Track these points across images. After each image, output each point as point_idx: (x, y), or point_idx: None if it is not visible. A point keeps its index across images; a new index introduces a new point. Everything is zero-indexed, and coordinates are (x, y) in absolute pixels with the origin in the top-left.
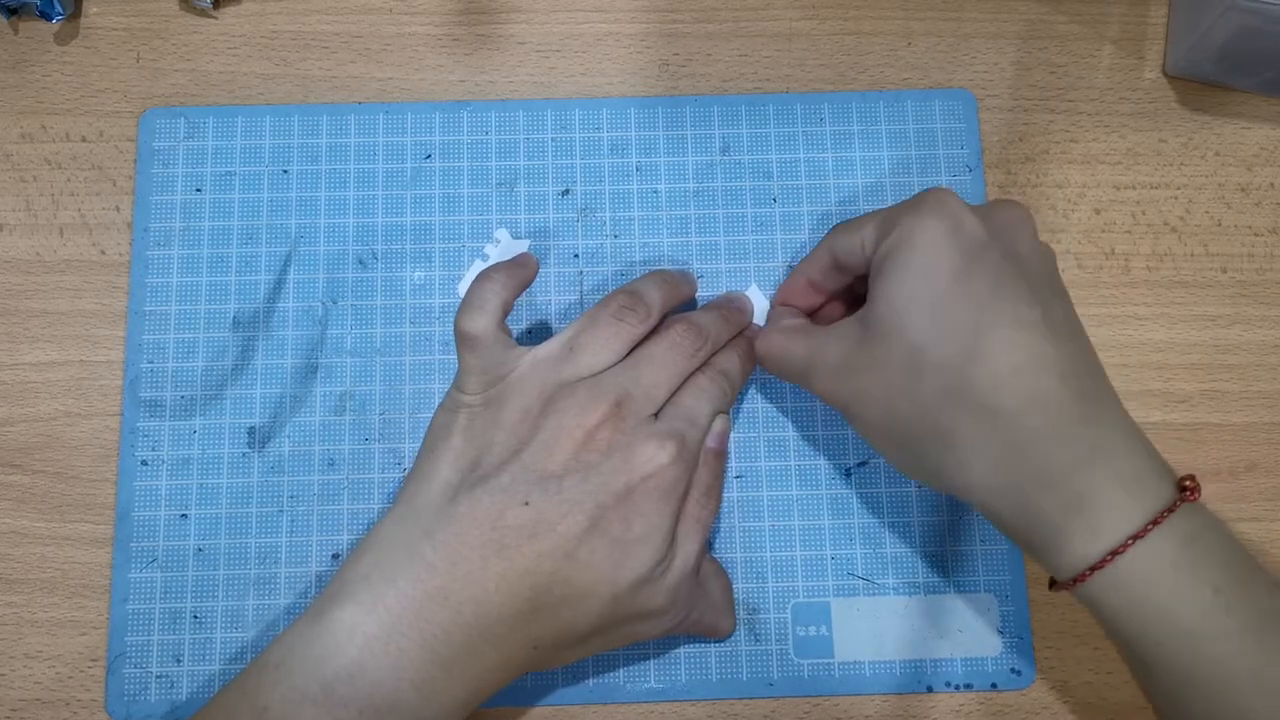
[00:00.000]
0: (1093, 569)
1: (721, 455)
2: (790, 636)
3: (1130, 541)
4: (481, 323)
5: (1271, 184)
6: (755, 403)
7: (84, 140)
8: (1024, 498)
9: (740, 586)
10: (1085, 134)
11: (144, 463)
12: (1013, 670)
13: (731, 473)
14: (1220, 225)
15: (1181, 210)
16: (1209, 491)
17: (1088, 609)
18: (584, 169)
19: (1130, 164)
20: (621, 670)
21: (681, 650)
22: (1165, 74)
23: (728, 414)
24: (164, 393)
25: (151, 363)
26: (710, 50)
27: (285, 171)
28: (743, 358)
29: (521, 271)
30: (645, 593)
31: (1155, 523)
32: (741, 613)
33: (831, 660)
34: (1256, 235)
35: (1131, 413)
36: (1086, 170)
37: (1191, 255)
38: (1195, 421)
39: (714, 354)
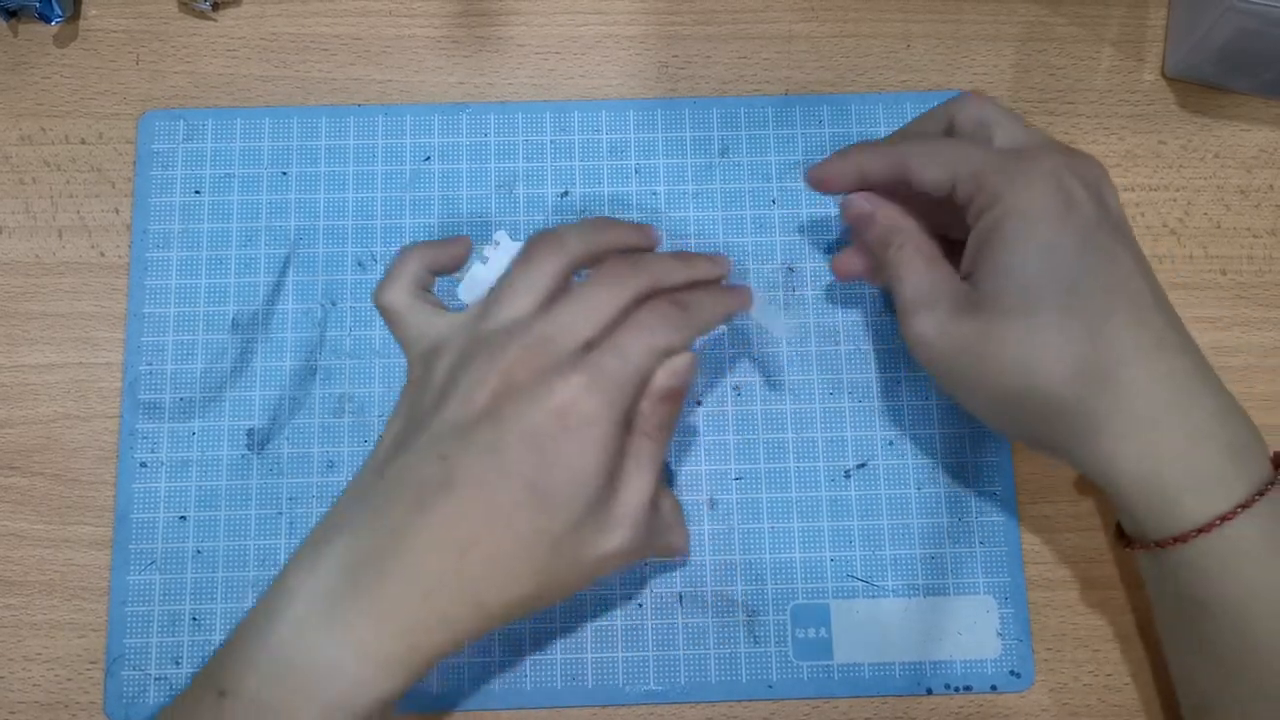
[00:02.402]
0: (1199, 531)
1: (673, 395)
2: (789, 638)
3: (1238, 510)
4: (390, 294)
5: (1271, 186)
6: (754, 404)
7: (83, 142)
8: (1139, 465)
9: (740, 589)
10: (1084, 136)
11: (143, 465)
12: (1012, 673)
13: (731, 474)
14: (1219, 227)
15: (1180, 212)
16: None
17: (1158, 573)
18: (583, 171)
19: (1129, 166)
20: (621, 672)
21: (681, 653)
22: (1164, 76)
23: (689, 352)
24: (163, 395)
25: (150, 365)
26: (709, 52)
27: (284, 173)
28: (707, 298)
29: (448, 248)
30: (591, 535)
31: (1261, 494)
32: (741, 614)
33: (831, 662)
34: (1256, 237)
35: None
36: None
37: (1191, 257)
38: None
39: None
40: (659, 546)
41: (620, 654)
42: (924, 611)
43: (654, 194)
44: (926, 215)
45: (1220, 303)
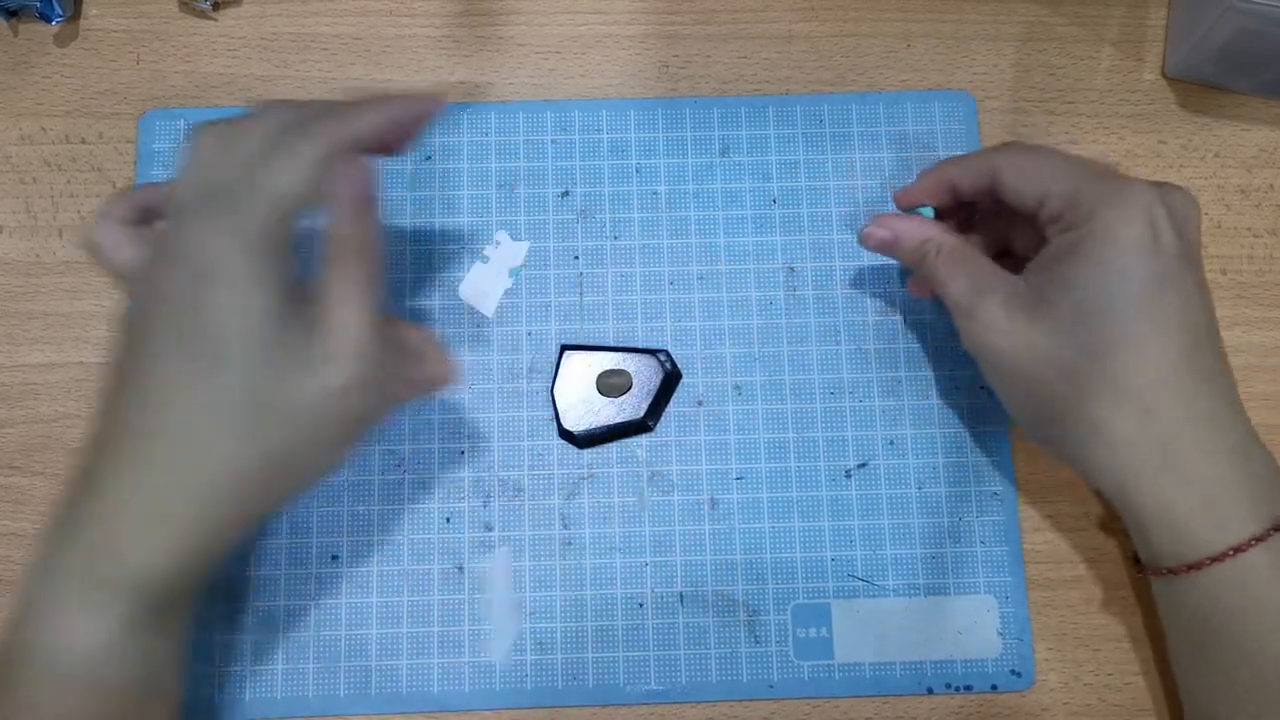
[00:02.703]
0: (1213, 560)
1: (355, 200)
2: (790, 638)
3: (1253, 541)
4: (92, 233)
5: (1271, 186)
6: (755, 404)
7: (84, 142)
8: (1159, 488)
9: (740, 588)
10: (1085, 136)
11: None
12: (1013, 672)
13: (731, 474)
14: (1220, 227)
15: None
16: None
17: (1172, 598)
18: (584, 170)
19: (1129, 165)
20: (622, 672)
21: (682, 652)
22: (1165, 76)
23: (356, 157)
24: None
25: None
26: (710, 52)
27: None
28: (352, 102)
29: (151, 190)
30: (296, 377)
31: (1277, 528)
32: (742, 614)
33: (832, 662)
34: (1256, 237)
35: None
36: None
37: None
38: None
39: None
40: (415, 381)
41: (621, 654)
42: (925, 611)
43: (654, 193)
44: (982, 228)
45: (1220, 303)
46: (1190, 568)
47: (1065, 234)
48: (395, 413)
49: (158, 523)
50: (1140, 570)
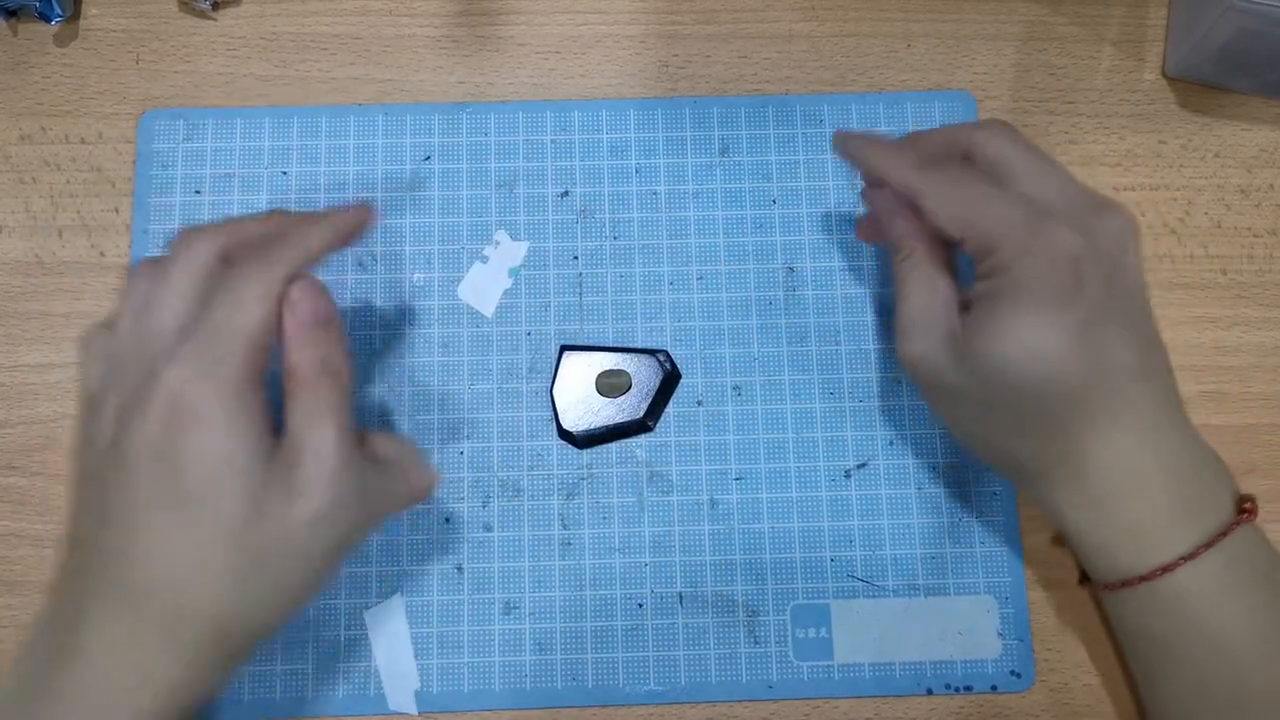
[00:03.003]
0: (1142, 579)
1: (316, 325)
2: (790, 639)
3: (1181, 561)
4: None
5: (1271, 185)
6: (754, 404)
7: (83, 142)
8: (1089, 521)
9: (740, 589)
10: (1085, 135)
11: None
12: (1012, 673)
13: (731, 474)
14: (1220, 227)
15: (1181, 212)
16: None
17: (1112, 612)
18: (583, 171)
19: (1130, 165)
20: (621, 672)
21: (681, 653)
22: (1165, 76)
23: (306, 275)
24: None
25: None
26: (709, 52)
27: (284, 173)
28: (304, 225)
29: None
30: (278, 510)
31: (1208, 545)
32: (741, 615)
33: (831, 662)
34: (1256, 237)
35: None
36: (1086, 172)
37: (1191, 257)
38: (1195, 423)
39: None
40: (396, 494)
41: (620, 654)
42: (924, 611)
43: (654, 193)
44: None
45: (1220, 302)
46: (1124, 584)
47: (985, 281)
48: (380, 529)
49: (145, 686)
50: (1081, 582)
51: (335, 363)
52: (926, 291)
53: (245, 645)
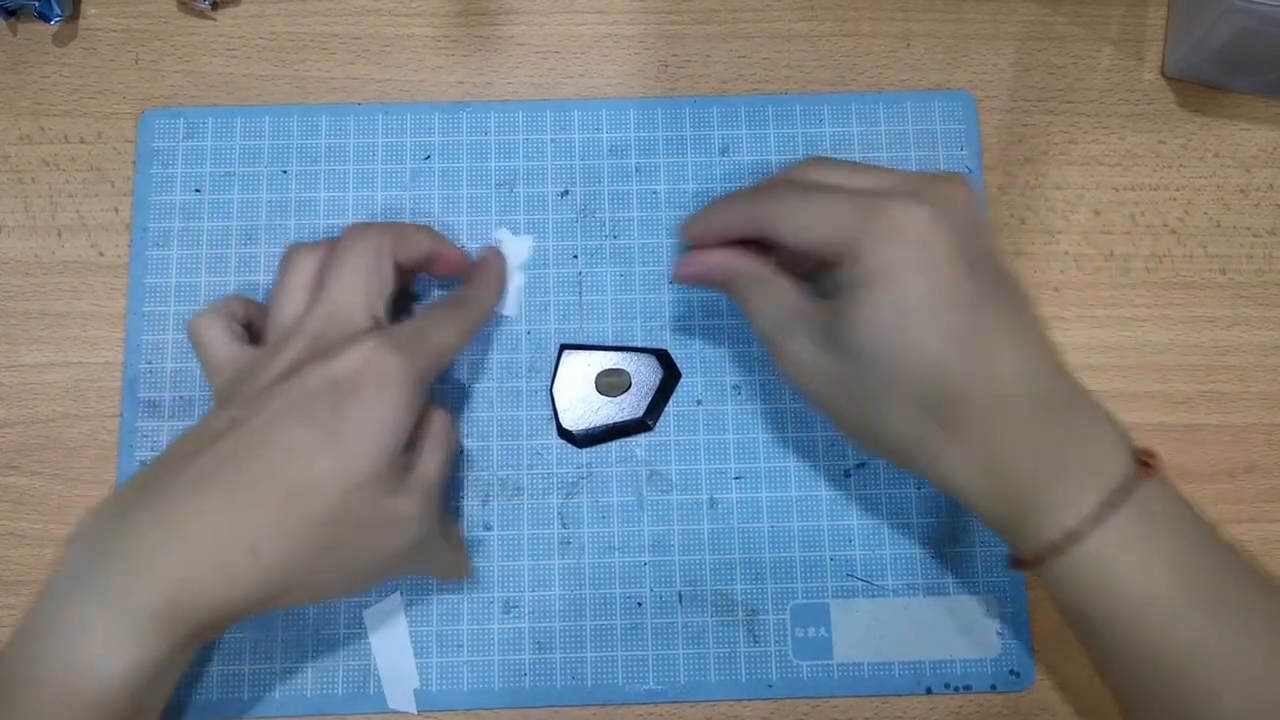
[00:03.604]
0: (1052, 553)
1: (449, 441)
2: (789, 638)
3: (1088, 527)
4: (203, 321)
5: (1270, 185)
6: (754, 403)
7: (82, 141)
8: (990, 488)
9: (739, 588)
10: (1084, 135)
11: (143, 463)
12: (1011, 672)
13: (730, 473)
14: (1219, 226)
15: (1180, 212)
16: (1207, 493)
17: (1051, 593)
18: (583, 170)
19: (1129, 165)
20: (620, 671)
21: (680, 652)
22: (1164, 75)
23: (443, 411)
24: (163, 393)
25: (150, 363)
26: (709, 51)
27: (284, 172)
28: (482, 289)
29: (264, 306)
30: (385, 495)
31: (1113, 507)
32: (740, 614)
33: (830, 662)
34: (1255, 236)
35: (1131, 414)
36: (1085, 172)
37: (1190, 257)
38: (1194, 423)
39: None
40: (442, 562)
41: (620, 653)
42: (924, 611)
43: (654, 193)
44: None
45: (1220, 302)
46: (1040, 559)
47: (843, 271)
48: (411, 576)
49: (204, 579)
50: (1014, 566)
51: (450, 453)
52: (777, 300)
53: (256, 587)
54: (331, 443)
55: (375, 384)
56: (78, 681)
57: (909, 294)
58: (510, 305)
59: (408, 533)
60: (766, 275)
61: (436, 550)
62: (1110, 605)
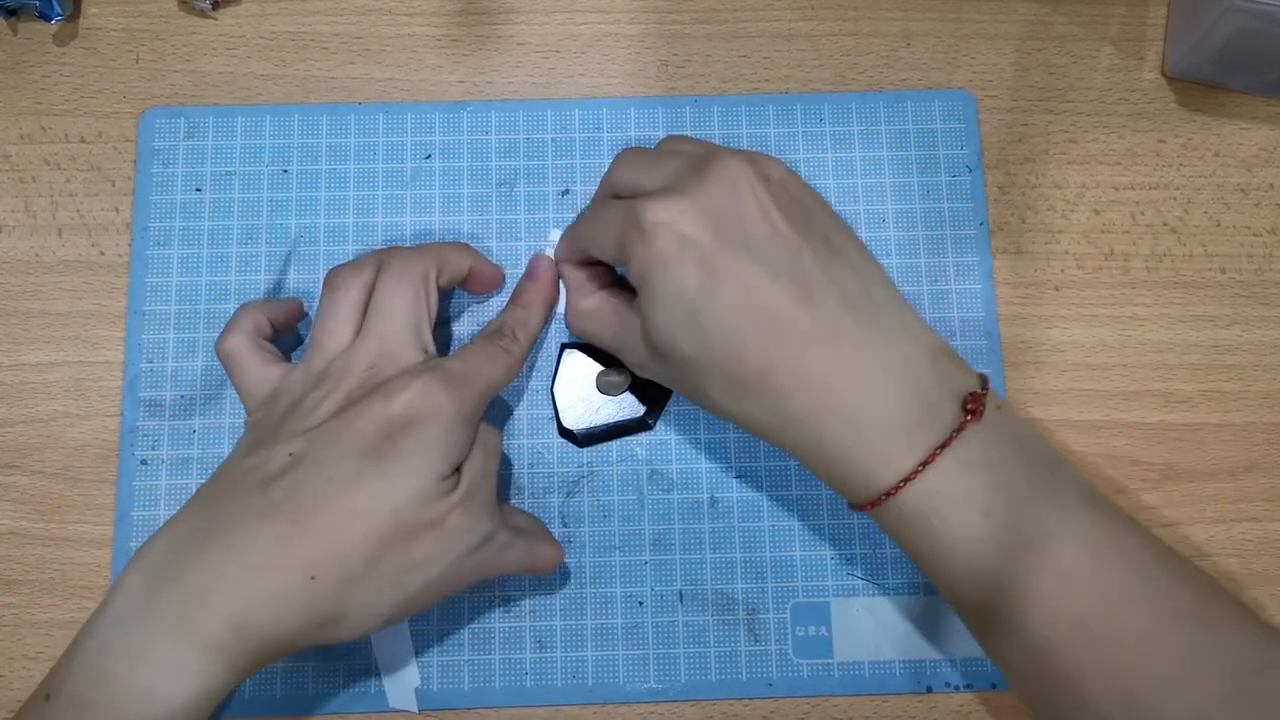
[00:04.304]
0: (875, 503)
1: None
2: (790, 637)
3: (900, 485)
4: (230, 342)
5: (1270, 185)
6: None
7: (83, 141)
8: (811, 451)
9: (740, 586)
10: (1084, 134)
11: (143, 462)
12: None
13: (731, 472)
14: (1219, 226)
15: (1180, 211)
16: (1207, 492)
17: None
18: (584, 169)
19: (1129, 164)
20: (621, 670)
21: (681, 651)
22: (1164, 75)
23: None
24: (163, 392)
25: (151, 362)
26: (710, 51)
27: (285, 171)
28: (528, 313)
29: (283, 305)
30: (433, 509)
31: (926, 462)
32: (741, 612)
33: (831, 660)
34: (1255, 236)
35: (1131, 413)
36: (1085, 171)
37: (1190, 256)
38: (1195, 422)
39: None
40: (517, 559)
41: (621, 652)
42: (924, 609)
43: None
44: None
45: (1220, 301)
46: (866, 506)
47: (630, 270)
48: (484, 582)
49: (264, 605)
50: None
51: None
52: (607, 320)
53: (314, 612)
54: (380, 470)
55: (428, 422)
56: (142, 708)
57: (669, 288)
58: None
59: (460, 541)
60: (592, 303)
61: (508, 548)
62: (932, 551)
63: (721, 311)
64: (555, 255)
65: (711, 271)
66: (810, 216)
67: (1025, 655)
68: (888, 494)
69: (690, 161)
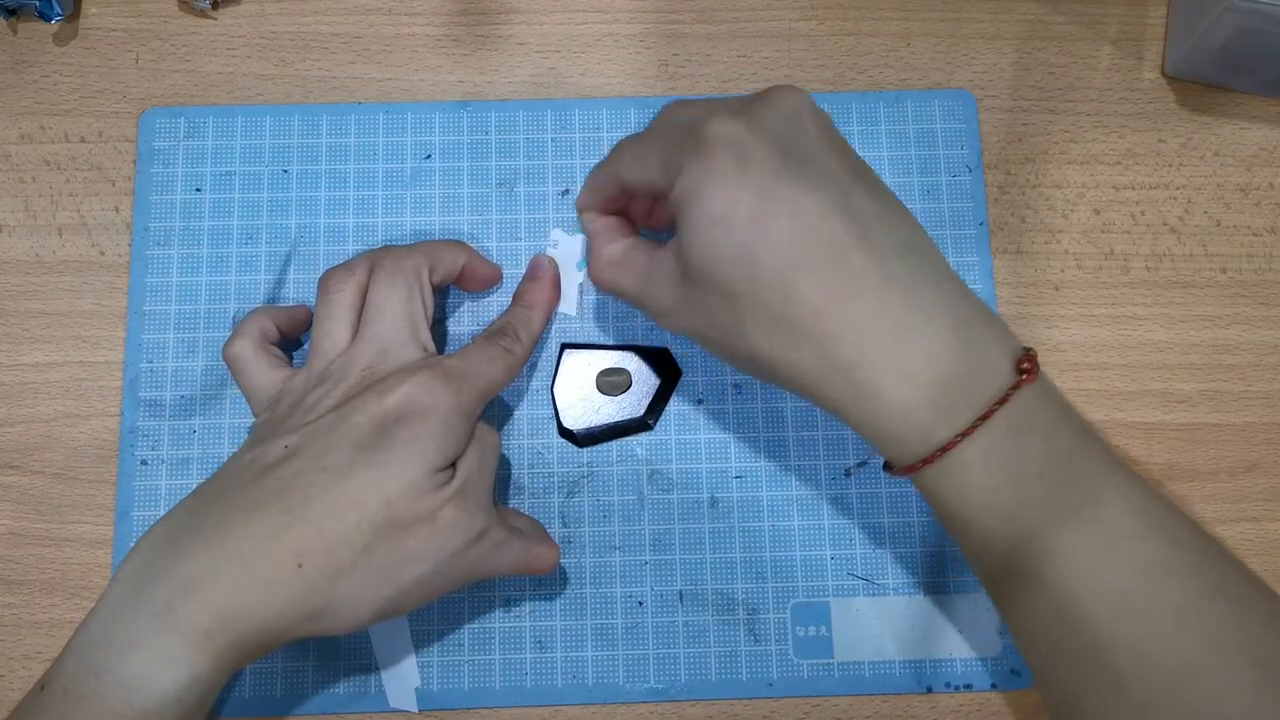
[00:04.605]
0: (924, 462)
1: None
2: (790, 637)
3: (958, 439)
4: (237, 346)
5: (1270, 184)
6: (754, 403)
7: (83, 141)
8: (858, 403)
9: (740, 587)
10: (1084, 134)
11: (143, 463)
12: (1012, 671)
13: (731, 472)
14: (1219, 225)
15: (1180, 211)
16: (1207, 492)
17: (928, 500)
18: (584, 169)
19: (1129, 164)
20: (621, 670)
21: (681, 651)
22: (1164, 74)
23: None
24: (163, 392)
25: (151, 362)
26: (709, 50)
27: (285, 171)
28: (531, 315)
29: (292, 310)
30: (426, 502)
31: (985, 418)
32: (741, 613)
33: (831, 661)
34: (1255, 235)
35: (1131, 413)
36: (1086, 171)
37: (1190, 256)
38: (1194, 422)
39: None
40: (515, 559)
41: (621, 652)
42: (924, 609)
43: None
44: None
45: (1220, 301)
46: (910, 469)
47: (673, 199)
48: (480, 580)
49: (255, 597)
50: (885, 468)
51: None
52: (631, 267)
53: (304, 604)
54: (373, 460)
55: (422, 416)
56: (132, 698)
57: (727, 207)
58: (571, 305)
59: (453, 536)
60: (615, 250)
61: (504, 547)
62: (980, 513)
63: (777, 242)
64: (577, 204)
65: (768, 198)
66: (860, 163)
67: (1055, 625)
68: (944, 449)
69: (749, 97)
